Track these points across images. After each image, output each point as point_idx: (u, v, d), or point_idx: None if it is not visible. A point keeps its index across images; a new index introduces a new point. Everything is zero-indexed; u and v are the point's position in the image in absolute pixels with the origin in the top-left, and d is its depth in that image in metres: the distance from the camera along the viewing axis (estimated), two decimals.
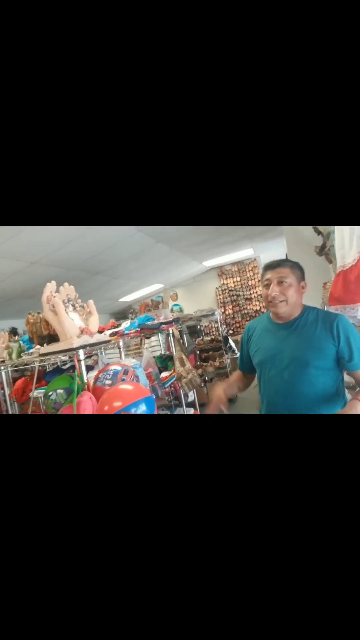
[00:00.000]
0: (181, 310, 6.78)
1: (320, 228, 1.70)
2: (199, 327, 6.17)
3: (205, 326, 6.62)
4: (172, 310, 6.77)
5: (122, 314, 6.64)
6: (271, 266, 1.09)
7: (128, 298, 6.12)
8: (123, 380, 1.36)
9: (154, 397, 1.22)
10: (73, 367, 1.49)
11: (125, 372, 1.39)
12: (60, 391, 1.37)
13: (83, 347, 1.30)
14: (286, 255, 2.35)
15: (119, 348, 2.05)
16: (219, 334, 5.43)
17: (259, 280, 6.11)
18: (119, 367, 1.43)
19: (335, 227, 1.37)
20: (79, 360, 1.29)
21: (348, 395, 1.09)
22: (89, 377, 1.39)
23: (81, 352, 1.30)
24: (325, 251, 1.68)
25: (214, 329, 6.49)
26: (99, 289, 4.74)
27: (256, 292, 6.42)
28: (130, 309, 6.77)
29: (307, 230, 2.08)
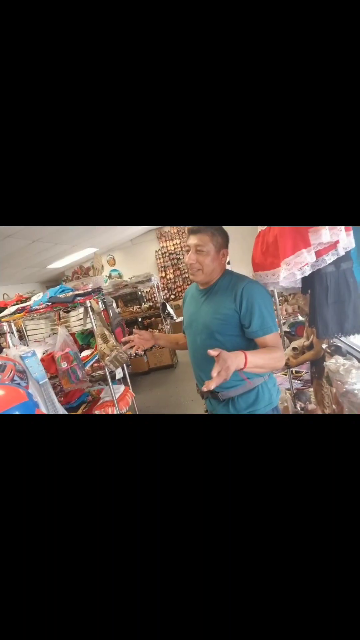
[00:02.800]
0: (120, 275, 6.35)
1: None
2: (139, 293, 5.86)
3: (147, 292, 6.32)
4: (110, 276, 6.30)
5: (55, 282, 5.99)
6: (193, 231, 1.06)
7: (59, 264, 5.48)
8: None
9: (34, 402, 0.95)
10: None
11: (1, 369, 1.08)
12: None
13: None
14: None
15: (18, 331, 1.68)
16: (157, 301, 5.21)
17: None
18: None
19: None
20: None
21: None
22: None
23: None
24: None
25: (155, 295, 6.24)
26: (16, 255, 4.08)
27: None
28: (63, 276, 6.13)
29: None
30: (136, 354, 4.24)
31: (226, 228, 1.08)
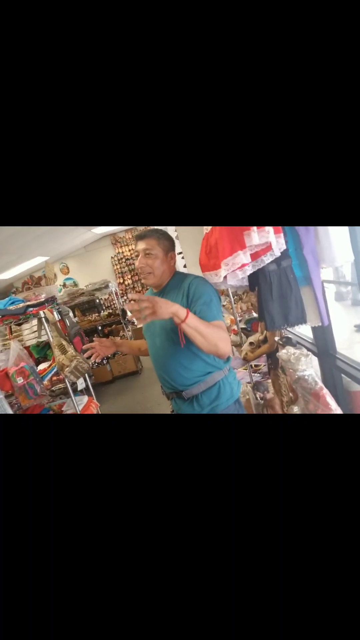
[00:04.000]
0: (75, 284, 6.14)
1: None
2: (97, 301, 5.72)
3: (105, 299, 6.19)
4: (64, 285, 6.06)
5: (4, 295, 5.59)
6: (139, 237, 1.11)
7: (6, 275, 5.14)
8: None
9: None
10: None
11: None
12: None
13: None
14: None
15: None
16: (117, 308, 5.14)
17: None
18: None
19: None
20: None
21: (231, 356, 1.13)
22: None
23: None
24: None
25: (114, 302, 6.14)
26: None
27: None
28: (12, 287, 5.75)
29: None
30: (98, 362, 4.13)
31: (183, 229, 1.14)
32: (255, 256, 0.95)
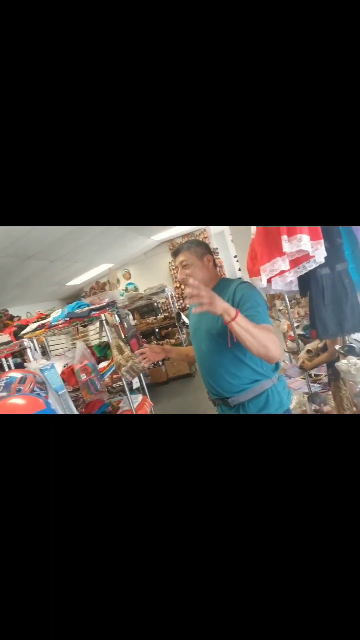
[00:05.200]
0: (136, 288, 6.50)
1: None
2: (155, 304, 5.97)
3: (162, 303, 6.43)
4: (126, 290, 6.47)
5: (74, 299, 6.21)
6: (174, 254, 1.17)
7: (77, 281, 5.71)
8: (19, 390, 1.15)
9: (52, 410, 1.04)
10: None
11: (22, 381, 1.18)
12: None
13: None
14: None
15: (41, 346, 1.80)
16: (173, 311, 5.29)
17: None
18: (15, 375, 1.21)
19: None
20: None
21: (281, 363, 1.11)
22: None
23: None
24: None
25: (170, 306, 6.33)
26: (37, 275, 4.31)
27: None
28: (82, 292, 6.36)
29: None
30: (152, 365, 4.30)
31: (238, 233, 1.13)
32: (295, 262, 0.91)
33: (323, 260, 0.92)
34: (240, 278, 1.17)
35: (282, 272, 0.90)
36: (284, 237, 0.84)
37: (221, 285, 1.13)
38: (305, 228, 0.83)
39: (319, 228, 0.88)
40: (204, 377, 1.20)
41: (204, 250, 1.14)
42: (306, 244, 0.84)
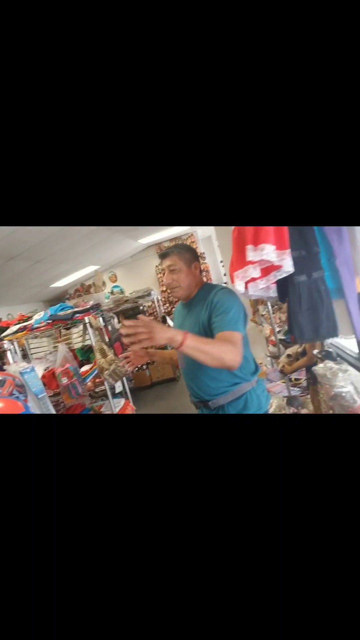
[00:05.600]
0: (122, 291, 6.46)
1: None
2: (141, 308, 5.95)
3: (149, 306, 6.42)
4: (112, 292, 6.43)
5: (58, 301, 6.11)
6: (162, 256, 1.18)
7: (61, 283, 5.62)
8: None
9: (31, 414, 1.02)
10: None
11: (1, 384, 1.16)
12: None
13: None
14: None
15: (22, 349, 1.77)
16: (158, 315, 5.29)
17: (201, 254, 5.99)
18: None
19: None
20: None
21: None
22: None
23: None
24: None
25: (156, 310, 6.33)
26: (20, 276, 4.22)
27: None
28: (66, 294, 6.27)
29: None
30: (135, 369, 4.27)
31: (224, 239, 1.17)
32: (267, 271, 0.94)
33: (292, 270, 0.96)
34: (225, 284, 1.20)
35: (254, 279, 0.93)
36: (249, 247, 0.87)
37: (204, 290, 1.16)
38: (272, 237, 0.86)
39: (286, 237, 0.92)
40: (186, 379, 1.22)
41: (192, 256, 1.17)
42: (269, 254, 0.87)
